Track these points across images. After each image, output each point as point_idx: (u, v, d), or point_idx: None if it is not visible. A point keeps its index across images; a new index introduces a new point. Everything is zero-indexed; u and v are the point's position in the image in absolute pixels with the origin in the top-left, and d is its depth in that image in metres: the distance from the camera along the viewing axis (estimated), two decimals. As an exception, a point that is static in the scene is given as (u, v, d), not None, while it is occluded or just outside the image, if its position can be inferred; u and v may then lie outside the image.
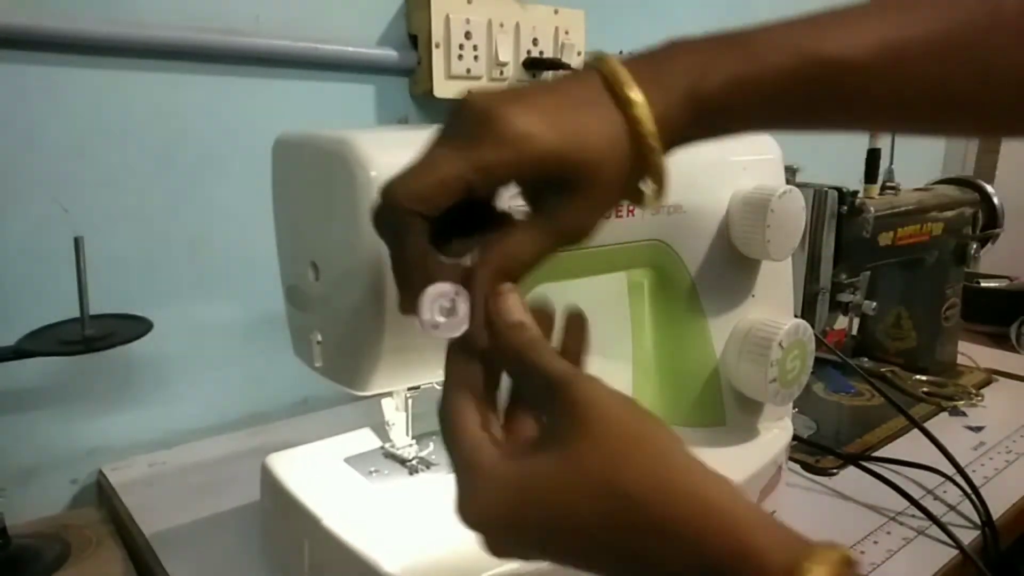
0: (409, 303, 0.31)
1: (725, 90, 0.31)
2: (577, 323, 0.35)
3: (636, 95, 0.30)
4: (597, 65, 0.31)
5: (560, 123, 0.29)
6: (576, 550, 0.27)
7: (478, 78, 0.82)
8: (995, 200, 0.96)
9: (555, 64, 0.86)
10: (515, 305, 0.31)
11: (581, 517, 0.26)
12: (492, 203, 0.32)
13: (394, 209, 0.29)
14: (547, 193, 0.30)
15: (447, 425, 0.31)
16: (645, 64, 0.31)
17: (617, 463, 0.26)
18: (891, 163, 0.90)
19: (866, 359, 0.99)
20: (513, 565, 0.42)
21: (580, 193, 0.30)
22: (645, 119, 0.29)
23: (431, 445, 0.57)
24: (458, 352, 0.32)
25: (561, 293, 0.65)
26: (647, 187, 0.32)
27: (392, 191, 0.30)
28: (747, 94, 0.31)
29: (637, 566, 0.25)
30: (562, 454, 0.27)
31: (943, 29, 0.31)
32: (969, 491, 0.65)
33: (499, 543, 0.29)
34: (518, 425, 0.32)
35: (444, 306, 0.30)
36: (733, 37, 0.32)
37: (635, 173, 0.31)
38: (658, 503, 0.25)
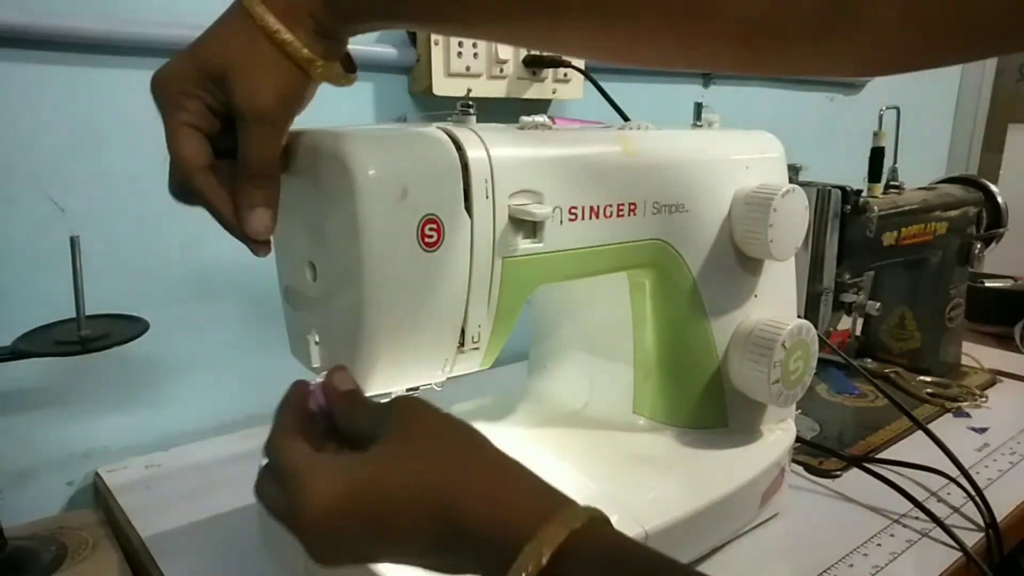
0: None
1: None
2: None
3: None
4: None
5: (199, 48, 0.37)
6: (399, 536, 0.32)
7: (478, 76, 0.81)
8: (999, 199, 0.96)
9: (556, 62, 0.86)
10: (343, 378, 0.39)
11: (404, 493, 0.32)
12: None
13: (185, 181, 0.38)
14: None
15: (272, 450, 0.36)
16: None
17: (429, 444, 0.34)
18: (895, 162, 0.90)
19: (870, 360, 0.99)
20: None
21: (237, 83, 0.36)
22: (260, 11, 0.35)
23: (430, 447, 0.56)
24: (285, 410, 0.39)
25: (562, 293, 0.65)
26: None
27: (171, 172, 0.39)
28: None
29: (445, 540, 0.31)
30: (383, 445, 0.34)
31: None
32: (973, 493, 0.65)
33: (328, 543, 0.32)
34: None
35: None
36: None
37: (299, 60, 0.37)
38: (459, 479, 0.32)
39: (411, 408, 0.36)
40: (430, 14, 0.37)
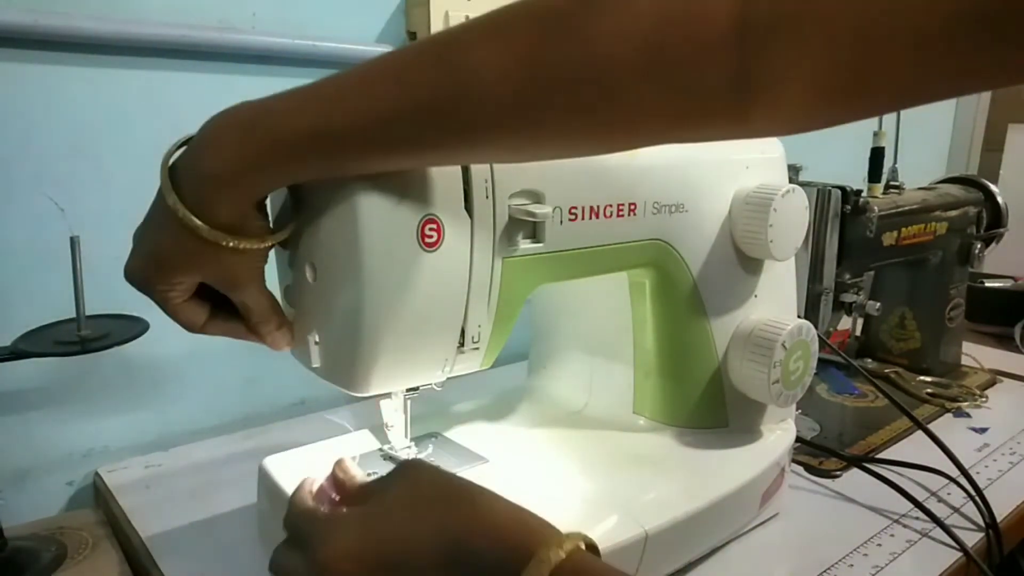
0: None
1: (230, 164, 0.37)
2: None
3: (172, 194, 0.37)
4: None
5: (143, 255, 0.41)
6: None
7: (478, 76, 0.81)
8: (999, 199, 0.95)
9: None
10: (348, 473, 0.44)
11: (417, 537, 0.35)
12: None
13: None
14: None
15: (289, 519, 0.41)
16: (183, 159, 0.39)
17: (438, 491, 0.38)
18: (895, 162, 0.90)
19: (870, 360, 0.99)
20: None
21: (201, 273, 0.41)
22: (182, 213, 0.37)
23: (430, 447, 0.56)
24: (296, 494, 0.43)
25: (562, 293, 0.65)
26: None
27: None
28: (254, 163, 0.37)
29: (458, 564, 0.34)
30: (393, 498, 0.38)
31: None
32: (973, 493, 0.65)
33: None
34: None
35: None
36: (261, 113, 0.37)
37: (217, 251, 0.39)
38: (466, 516, 0.35)
39: (414, 466, 0.40)
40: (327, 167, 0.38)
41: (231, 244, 0.38)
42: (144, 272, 0.40)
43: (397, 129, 0.35)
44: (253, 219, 0.40)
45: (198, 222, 0.37)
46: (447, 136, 0.35)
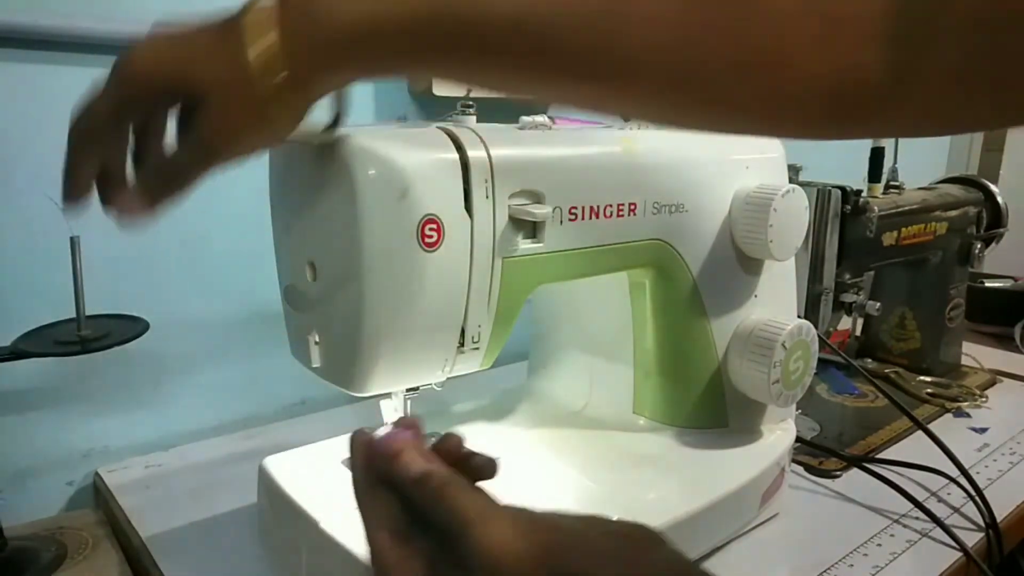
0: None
1: (361, 24, 0.32)
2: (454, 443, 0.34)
3: (258, 21, 0.32)
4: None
5: (176, 52, 0.33)
6: None
7: (478, 76, 0.81)
8: (999, 199, 0.95)
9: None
10: (412, 459, 0.31)
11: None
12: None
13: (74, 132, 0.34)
14: (184, 113, 0.34)
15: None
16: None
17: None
18: (895, 162, 0.90)
19: (870, 360, 0.99)
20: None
21: (200, 110, 0.33)
22: (253, 30, 0.32)
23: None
24: (362, 493, 0.33)
25: (562, 293, 0.65)
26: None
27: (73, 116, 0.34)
28: (386, 36, 0.32)
29: None
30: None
31: None
32: (973, 493, 0.65)
33: None
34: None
35: None
36: None
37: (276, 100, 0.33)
38: None
39: (488, 553, 0.28)
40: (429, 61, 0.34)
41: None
42: (151, 58, 0.33)
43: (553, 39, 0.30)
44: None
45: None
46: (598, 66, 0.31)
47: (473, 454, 0.33)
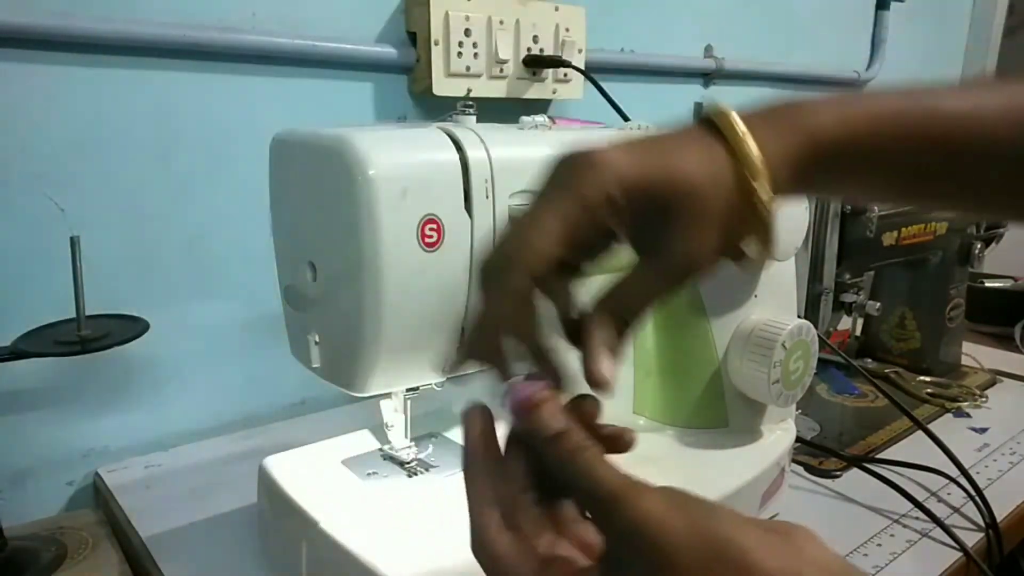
0: (467, 356, 0.31)
1: (838, 125, 0.30)
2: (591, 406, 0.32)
3: (739, 125, 0.30)
4: (705, 112, 0.31)
5: (653, 154, 0.30)
6: None
7: (478, 76, 0.81)
8: (999, 199, 0.95)
9: (556, 62, 0.86)
10: (551, 414, 0.29)
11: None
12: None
13: (502, 266, 0.29)
14: (649, 231, 0.30)
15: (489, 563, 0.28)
16: (754, 110, 0.31)
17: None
18: (894, 162, 0.90)
19: (870, 360, 0.99)
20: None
21: (680, 222, 0.29)
22: (747, 147, 0.29)
23: (430, 447, 0.56)
24: (475, 470, 0.30)
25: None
26: (750, 246, 0.32)
27: (501, 247, 0.30)
28: (859, 135, 0.31)
29: None
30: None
31: None
32: (973, 493, 0.65)
33: None
34: (573, 529, 0.30)
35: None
36: (848, 93, 0.33)
37: (738, 218, 0.30)
38: None
39: (650, 525, 0.25)
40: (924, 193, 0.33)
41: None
42: (615, 156, 0.29)
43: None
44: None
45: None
46: None
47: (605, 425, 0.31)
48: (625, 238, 0.31)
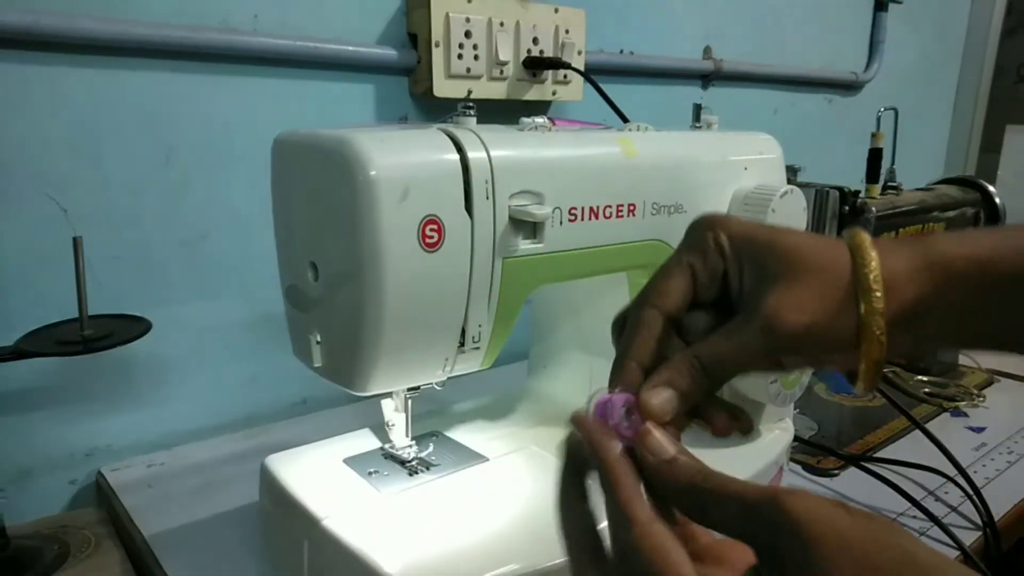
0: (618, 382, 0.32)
1: (960, 246, 0.30)
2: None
3: (863, 234, 0.30)
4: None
5: (770, 225, 0.32)
6: None
7: (478, 77, 0.82)
8: (997, 200, 0.96)
9: (556, 63, 0.86)
10: (662, 443, 0.29)
11: None
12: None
13: (636, 303, 0.33)
14: (756, 286, 0.31)
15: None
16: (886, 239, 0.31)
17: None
18: (893, 163, 0.90)
19: (867, 359, 0.99)
20: (513, 566, 0.42)
21: (785, 281, 0.30)
22: (866, 248, 0.30)
23: (430, 446, 0.57)
24: (619, 470, 0.29)
25: (562, 293, 0.65)
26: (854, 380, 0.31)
27: (640, 291, 0.33)
28: (981, 260, 0.29)
29: None
30: None
31: None
32: (970, 492, 0.65)
33: None
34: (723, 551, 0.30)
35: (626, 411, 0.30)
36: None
37: (842, 324, 0.29)
38: None
39: (812, 519, 0.25)
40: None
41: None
42: (739, 224, 0.32)
43: None
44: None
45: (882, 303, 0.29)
46: None
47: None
48: (734, 287, 0.32)
